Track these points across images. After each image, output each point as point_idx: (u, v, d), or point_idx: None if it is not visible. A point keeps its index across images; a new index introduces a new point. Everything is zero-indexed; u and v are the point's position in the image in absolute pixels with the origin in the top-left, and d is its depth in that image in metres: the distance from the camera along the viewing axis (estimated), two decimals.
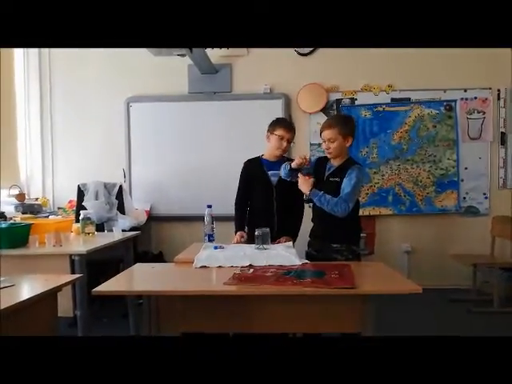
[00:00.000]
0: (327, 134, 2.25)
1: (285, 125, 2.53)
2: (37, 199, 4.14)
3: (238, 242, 2.46)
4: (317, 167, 2.38)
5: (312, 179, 2.26)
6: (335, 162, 2.32)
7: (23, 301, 1.51)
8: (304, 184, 2.25)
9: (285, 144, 2.50)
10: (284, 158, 2.58)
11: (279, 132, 2.49)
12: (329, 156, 2.31)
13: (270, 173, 2.54)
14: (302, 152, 4.08)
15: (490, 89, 4.11)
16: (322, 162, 2.38)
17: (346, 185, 2.19)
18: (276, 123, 2.55)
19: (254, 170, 2.59)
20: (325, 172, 2.33)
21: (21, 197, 3.85)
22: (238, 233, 2.54)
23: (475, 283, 3.79)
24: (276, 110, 4.07)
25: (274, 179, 2.53)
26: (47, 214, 3.78)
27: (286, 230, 2.46)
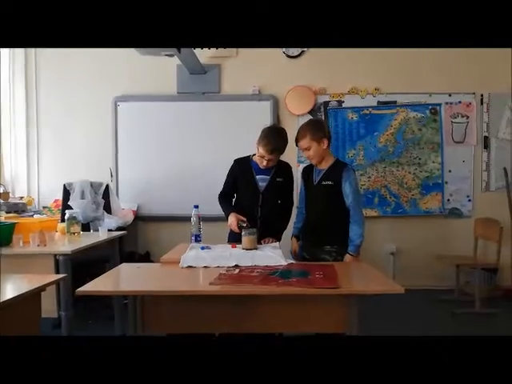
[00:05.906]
0: (301, 144, 2.34)
1: (266, 146, 2.34)
2: (21, 198, 4.08)
3: (235, 226, 2.33)
4: (305, 175, 2.47)
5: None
6: (323, 166, 2.36)
7: (6, 300, 1.49)
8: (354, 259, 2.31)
9: (265, 163, 2.39)
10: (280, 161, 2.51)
11: (260, 151, 2.37)
12: (313, 163, 2.40)
13: (258, 177, 2.47)
14: (289, 154, 4.13)
15: (474, 94, 4.19)
16: (309, 168, 2.46)
17: (349, 192, 2.28)
18: (260, 140, 2.37)
19: (242, 172, 2.51)
20: (314, 177, 2.39)
21: (5, 196, 3.80)
22: (232, 215, 2.37)
23: (458, 284, 3.86)
24: (264, 111, 4.09)
25: (261, 184, 2.47)
26: (32, 214, 3.72)
27: (268, 235, 2.40)
